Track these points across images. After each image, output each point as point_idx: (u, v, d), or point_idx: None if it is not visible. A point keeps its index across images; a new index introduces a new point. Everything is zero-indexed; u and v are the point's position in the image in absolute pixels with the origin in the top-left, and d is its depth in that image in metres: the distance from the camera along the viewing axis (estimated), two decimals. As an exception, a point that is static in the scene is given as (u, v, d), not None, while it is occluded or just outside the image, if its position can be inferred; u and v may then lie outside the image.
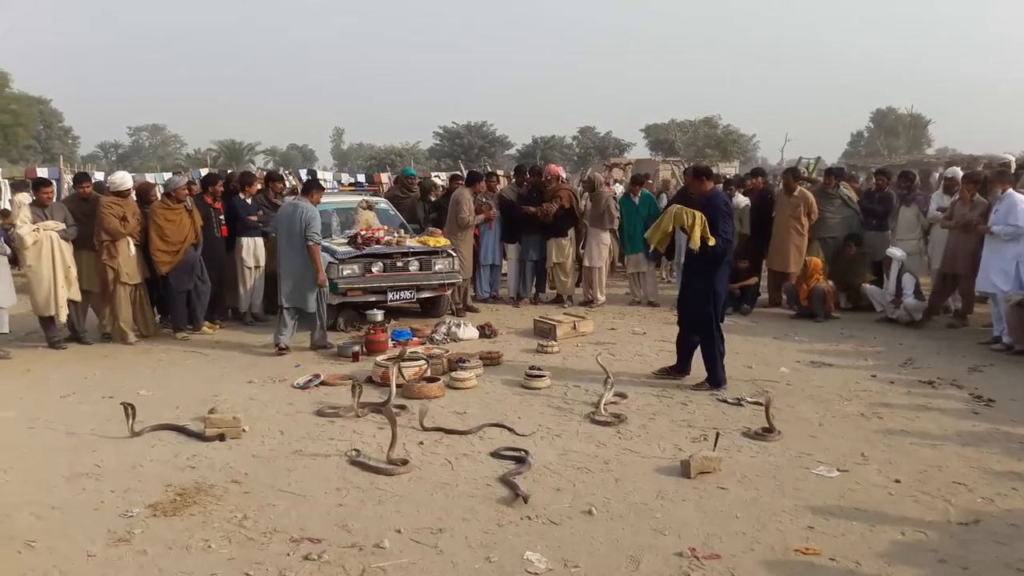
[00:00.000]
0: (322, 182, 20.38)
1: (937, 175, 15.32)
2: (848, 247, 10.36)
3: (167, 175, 18.52)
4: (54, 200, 8.70)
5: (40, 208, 8.34)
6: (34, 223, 8.17)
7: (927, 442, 5.48)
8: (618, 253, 12.61)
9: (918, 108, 58.21)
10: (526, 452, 5.19)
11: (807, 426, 5.84)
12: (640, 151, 66.17)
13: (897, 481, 4.78)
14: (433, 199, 12.37)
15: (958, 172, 10.12)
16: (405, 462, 4.97)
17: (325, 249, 9.20)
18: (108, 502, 4.54)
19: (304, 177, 20.50)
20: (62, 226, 8.28)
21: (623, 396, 6.53)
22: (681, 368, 7.15)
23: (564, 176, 12.07)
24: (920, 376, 7.23)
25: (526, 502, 4.41)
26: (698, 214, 6.57)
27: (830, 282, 10.08)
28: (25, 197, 8.66)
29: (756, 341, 8.75)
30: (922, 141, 62.39)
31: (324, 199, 10.83)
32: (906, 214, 10.52)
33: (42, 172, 18.08)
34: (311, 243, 8.03)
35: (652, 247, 7.24)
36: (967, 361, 7.76)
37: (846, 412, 6.19)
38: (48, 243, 8.16)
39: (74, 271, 8.38)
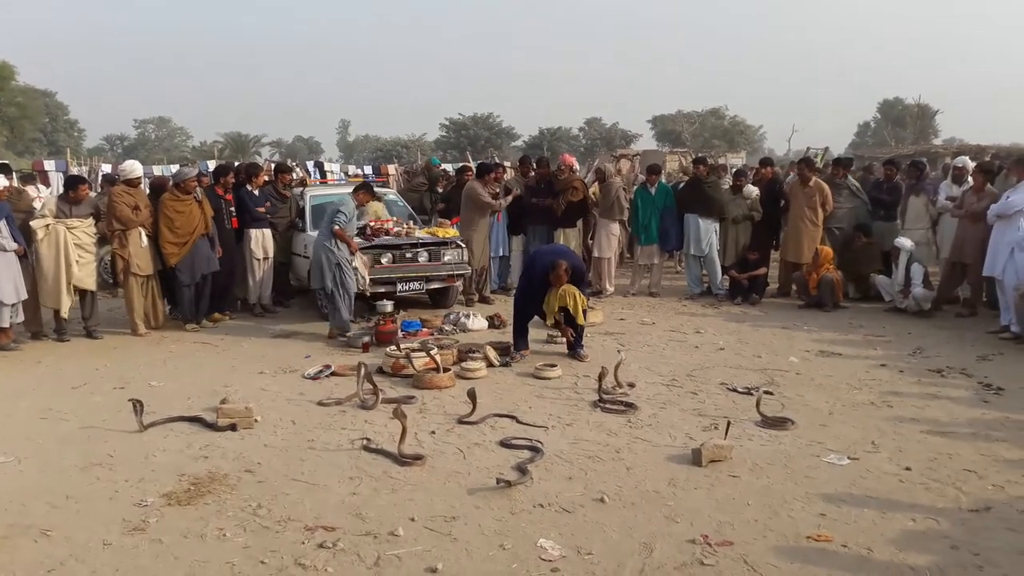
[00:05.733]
0: (329, 174, 20.60)
1: (944, 165, 15.27)
2: (857, 237, 10.34)
3: (174, 167, 18.58)
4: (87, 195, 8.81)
5: (68, 204, 8.40)
6: (56, 218, 8.24)
7: (937, 430, 5.48)
8: (627, 244, 12.61)
9: (925, 99, 57.83)
10: (539, 442, 5.22)
11: (817, 415, 5.84)
12: (647, 142, 66.15)
13: (908, 469, 4.79)
14: (440, 190, 12.36)
15: (967, 161, 10.10)
16: (419, 457, 4.98)
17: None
18: (122, 491, 4.58)
19: (311, 169, 20.55)
20: (80, 223, 8.36)
21: (632, 385, 6.55)
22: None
23: (576, 166, 12.07)
24: (929, 365, 7.22)
25: (507, 484, 4.47)
26: (579, 294, 7.42)
27: (839, 272, 10.06)
28: (38, 189, 8.76)
29: (765, 331, 8.76)
30: (929, 131, 62.05)
31: (333, 191, 10.90)
32: (915, 204, 10.48)
33: (48, 164, 18.15)
34: (335, 227, 8.35)
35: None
36: (976, 350, 7.75)
37: (856, 401, 6.19)
38: (59, 238, 8.20)
39: (85, 269, 8.42)
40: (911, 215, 10.52)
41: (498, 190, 10.68)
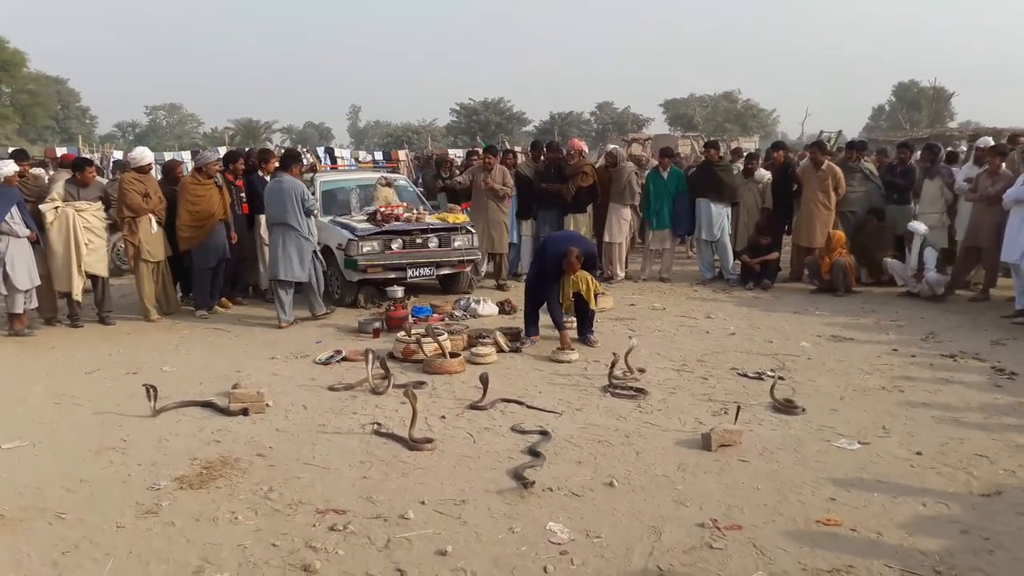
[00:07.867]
0: (339, 160, 20.58)
1: (965, 148, 15.12)
2: (869, 221, 10.28)
3: (185, 154, 18.61)
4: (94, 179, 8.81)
5: (76, 187, 8.43)
6: (65, 201, 8.27)
7: (949, 415, 5.46)
8: (638, 229, 12.57)
9: (940, 81, 57.38)
10: (546, 425, 5.23)
11: (828, 399, 5.83)
12: (659, 126, 65.88)
13: (919, 453, 4.78)
14: (446, 175, 12.36)
15: (990, 142, 9.95)
16: (429, 441, 4.99)
17: (345, 226, 9.24)
18: (135, 475, 4.62)
19: (322, 155, 20.54)
20: (89, 206, 8.38)
21: (642, 370, 6.54)
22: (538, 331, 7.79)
23: (586, 151, 12.01)
24: (942, 350, 7.18)
25: (526, 487, 4.30)
26: (591, 279, 7.43)
27: (851, 256, 10.01)
28: (62, 174, 8.83)
29: (776, 315, 8.73)
30: (944, 115, 61.52)
31: (344, 176, 10.90)
32: (930, 187, 10.37)
33: (61, 151, 18.22)
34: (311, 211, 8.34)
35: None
36: (989, 334, 7.70)
37: (867, 386, 6.17)
38: (68, 221, 8.23)
39: (95, 254, 8.46)
40: (925, 199, 10.41)
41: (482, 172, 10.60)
